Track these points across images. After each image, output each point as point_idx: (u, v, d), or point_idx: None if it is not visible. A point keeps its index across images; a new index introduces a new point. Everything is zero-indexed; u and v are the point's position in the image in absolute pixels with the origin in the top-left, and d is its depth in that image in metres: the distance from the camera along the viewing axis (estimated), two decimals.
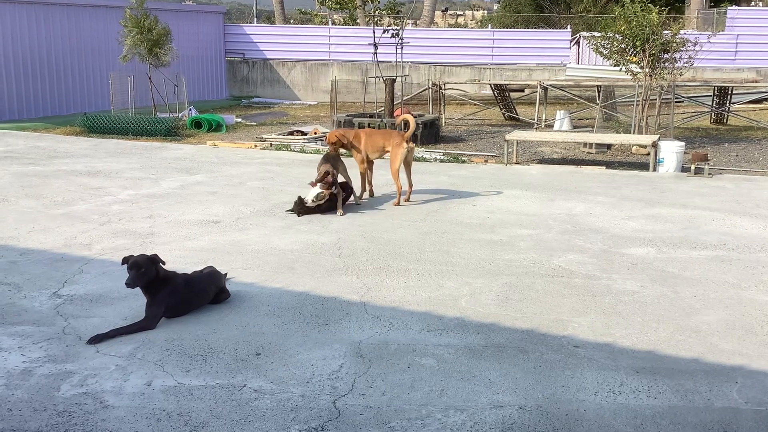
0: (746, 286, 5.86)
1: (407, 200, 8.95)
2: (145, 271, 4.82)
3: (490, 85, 20.46)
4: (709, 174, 11.23)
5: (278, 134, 15.60)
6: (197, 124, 16.96)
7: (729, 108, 18.35)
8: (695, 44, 13.92)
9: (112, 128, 16.12)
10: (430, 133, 15.08)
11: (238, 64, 27.48)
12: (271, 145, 14.40)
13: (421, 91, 20.43)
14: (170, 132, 15.97)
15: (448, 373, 4.23)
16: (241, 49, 27.39)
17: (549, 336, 4.80)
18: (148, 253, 5.06)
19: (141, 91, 18.58)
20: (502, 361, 4.40)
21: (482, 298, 5.54)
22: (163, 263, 5.00)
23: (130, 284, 4.80)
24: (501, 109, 19.98)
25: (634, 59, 13.78)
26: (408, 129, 8.96)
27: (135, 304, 5.19)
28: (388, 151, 8.97)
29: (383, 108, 15.80)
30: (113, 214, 8.19)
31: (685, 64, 14.04)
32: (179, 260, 6.32)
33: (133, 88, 18.09)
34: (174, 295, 4.95)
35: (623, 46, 13.88)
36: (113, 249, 6.75)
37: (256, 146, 14.39)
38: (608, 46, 14.24)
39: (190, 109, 18.78)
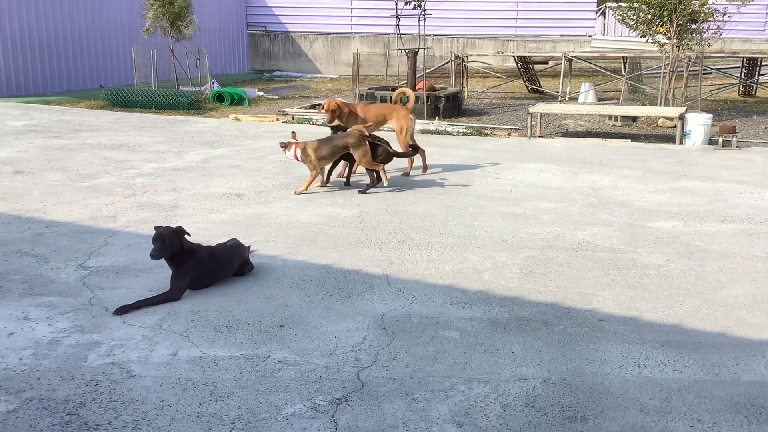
0: None
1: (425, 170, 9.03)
2: (169, 243, 4.85)
3: (514, 57, 20.23)
4: (737, 147, 11.04)
5: (300, 108, 15.58)
6: (219, 98, 16.98)
7: (758, 80, 17.99)
8: (724, 14, 13.63)
9: (135, 102, 16.20)
10: (452, 107, 14.96)
11: (260, 37, 27.40)
12: (293, 118, 14.39)
13: (444, 64, 20.26)
14: (193, 105, 16.01)
15: (472, 345, 4.22)
16: (262, 22, 27.31)
17: (573, 309, 4.76)
18: (173, 225, 5.08)
19: (163, 65, 18.62)
20: (525, 334, 4.38)
21: (505, 271, 5.51)
22: (188, 235, 5.03)
23: (154, 255, 4.83)
24: (524, 82, 19.77)
25: (661, 30, 13.53)
26: (409, 102, 9.13)
27: (160, 275, 5.24)
28: (388, 123, 9.04)
29: (405, 81, 15.69)
30: (137, 187, 8.24)
31: (713, 35, 13.76)
32: (203, 233, 6.36)
33: (156, 61, 18.12)
34: (199, 267, 4.98)
35: (650, 16, 13.62)
36: (138, 221, 6.80)
37: (278, 120, 14.38)
38: (634, 16, 13.99)
39: (213, 83, 18.80)
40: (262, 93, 19.08)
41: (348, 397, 3.62)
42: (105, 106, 16.36)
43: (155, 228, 4.97)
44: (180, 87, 18.03)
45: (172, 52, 17.94)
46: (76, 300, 4.88)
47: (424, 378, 3.82)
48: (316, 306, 4.80)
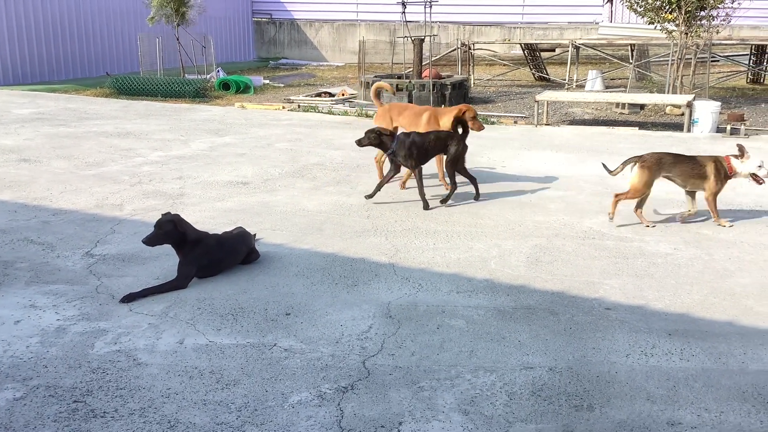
0: None
1: None
2: (164, 232, 4.84)
3: (521, 44, 20.12)
4: (746, 134, 10.97)
5: (306, 96, 15.55)
6: (225, 86, 16.96)
7: (767, 67, 17.85)
8: (733, 1, 13.50)
9: (140, 90, 16.19)
10: (458, 95, 14.90)
11: (266, 24, 27.33)
12: (299, 106, 14.36)
13: (450, 52, 20.16)
14: (198, 93, 15.99)
15: (478, 334, 4.21)
16: (268, 10, 27.22)
17: (579, 298, 4.75)
18: (180, 213, 5.08)
19: (169, 53, 18.59)
20: (532, 322, 4.37)
21: (512, 259, 5.49)
22: (184, 225, 4.98)
23: (146, 242, 4.83)
24: (531, 70, 19.66)
25: (670, 17, 13.42)
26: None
27: (167, 263, 5.24)
28: None
29: (411, 69, 15.63)
30: (144, 175, 8.24)
31: (722, 22, 13.64)
32: (209, 221, 6.36)
33: (162, 49, 18.09)
34: (205, 255, 4.98)
35: (658, 3, 13.51)
36: (144, 210, 6.80)
37: (284, 108, 14.36)
38: (643, 3, 13.88)
39: (218, 71, 18.76)
40: (267, 81, 19.04)
41: (354, 385, 3.62)
42: (111, 94, 16.35)
43: (162, 215, 4.98)
44: (186, 75, 18.01)
45: (177, 39, 17.91)
46: (83, 288, 4.89)
47: (430, 366, 3.82)
48: (322, 294, 4.79)
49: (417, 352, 3.99)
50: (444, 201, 7.05)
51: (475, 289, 4.91)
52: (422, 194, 6.94)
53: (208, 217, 6.51)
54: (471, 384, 3.64)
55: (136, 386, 3.60)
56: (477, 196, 7.24)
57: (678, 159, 6.31)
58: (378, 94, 8.32)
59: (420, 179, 6.96)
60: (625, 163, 6.43)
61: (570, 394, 3.55)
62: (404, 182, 7.72)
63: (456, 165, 7.04)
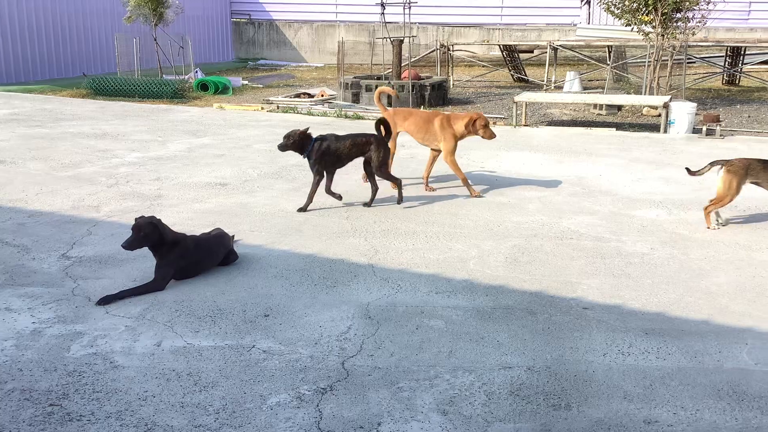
0: (757, 247, 5.81)
1: None
2: (144, 236, 4.80)
3: (499, 45, 20.21)
4: (721, 135, 11.10)
5: (285, 96, 15.50)
6: (203, 87, 16.86)
7: (741, 69, 18.08)
8: (708, 3, 13.66)
9: (118, 90, 16.05)
10: (438, 96, 14.94)
11: (244, 25, 27.22)
12: (278, 107, 14.31)
13: (429, 53, 20.21)
14: (176, 94, 15.88)
15: (457, 334, 4.22)
16: (246, 10, 27.11)
17: (558, 298, 4.78)
18: (157, 215, 5.04)
19: (146, 53, 18.45)
20: (510, 322, 4.39)
21: (491, 260, 5.51)
22: (161, 227, 4.95)
23: (125, 246, 4.79)
24: (510, 71, 19.76)
25: (646, 18, 13.55)
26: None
27: (143, 265, 5.20)
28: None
29: (391, 70, 15.64)
30: (121, 177, 8.17)
31: (698, 24, 13.80)
32: (187, 222, 6.32)
33: (139, 50, 17.95)
34: (183, 256, 4.94)
35: (635, 5, 13.63)
36: (121, 211, 6.74)
37: (262, 109, 14.31)
38: (620, 5, 13.99)
39: (196, 71, 18.65)
40: (246, 82, 18.95)
41: (333, 386, 3.62)
42: (87, 95, 16.19)
43: (136, 219, 4.93)
44: (163, 75, 17.87)
45: (155, 40, 17.78)
46: (59, 290, 4.83)
47: (409, 367, 3.82)
48: (301, 295, 4.78)
49: (396, 352, 3.99)
50: (364, 203, 6.96)
51: (454, 289, 4.93)
52: (311, 197, 6.77)
53: (186, 219, 6.47)
54: (450, 384, 3.65)
55: (112, 389, 3.57)
56: (399, 200, 7.07)
57: (766, 165, 6.31)
58: (388, 99, 8.27)
59: (317, 184, 6.75)
60: (711, 165, 6.43)
61: (548, 393, 3.57)
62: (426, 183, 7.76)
63: (384, 167, 6.88)
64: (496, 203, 7.16)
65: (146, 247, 4.90)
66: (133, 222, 4.91)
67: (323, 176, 6.82)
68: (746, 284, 5.02)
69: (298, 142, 6.66)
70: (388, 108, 8.10)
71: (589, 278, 5.14)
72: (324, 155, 6.68)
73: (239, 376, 3.70)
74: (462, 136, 7.43)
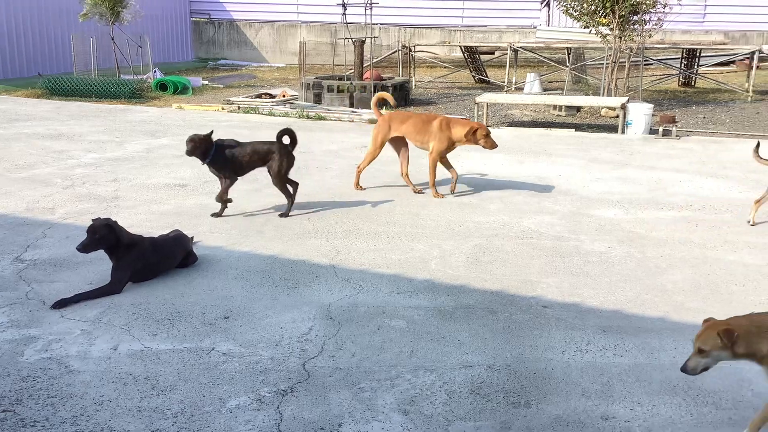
0: (712, 246, 5.93)
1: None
2: (99, 238, 4.72)
3: (461, 47, 20.33)
4: (677, 136, 11.32)
5: (246, 97, 15.38)
6: (162, 87, 16.64)
7: (697, 70, 18.47)
8: (665, 6, 13.92)
9: (74, 90, 15.76)
10: (400, 96, 14.97)
11: (204, 24, 26.94)
12: (239, 107, 14.20)
13: (391, 54, 20.24)
14: (135, 94, 15.65)
15: (418, 334, 4.23)
16: (206, 9, 26.84)
17: (518, 297, 4.82)
18: (113, 217, 4.95)
19: (104, 53, 18.15)
20: (471, 322, 4.42)
21: (452, 260, 5.54)
22: (117, 229, 4.86)
23: (80, 249, 4.69)
24: (471, 72, 19.89)
25: (604, 21, 13.75)
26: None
27: (100, 268, 5.11)
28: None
29: (353, 70, 15.63)
30: (77, 178, 8.02)
31: (655, 26, 14.05)
32: (145, 224, 6.23)
33: (96, 49, 17.64)
34: (140, 259, 4.87)
35: (593, 7, 13.82)
36: (77, 213, 6.61)
37: (223, 109, 14.18)
38: (578, 7, 14.18)
39: (155, 71, 18.40)
40: (206, 82, 18.76)
41: (294, 388, 3.59)
42: (43, 95, 15.86)
43: (93, 220, 4.85)
44: (121, 75, 17.59)
45: (112, 39, 17.50)
46: (12, 294, 4.72)
47: (371, 367, 3.82)
48: (262, 297, 4.74)
49: (357, 353, 3.98)
50: (284, 214, 6.60)
51: (416, 289, 4.94)
52: (223, 199, 6.52)
53: (144, 220, 6.38)
54: (411, 384, 3.66)
55: (67, 394, 3.50)
56: (286, 213, 6.63)
57: None
58: (385, 103, 8.09)
59: (227, 188, 6.50)
60: None
61: (508, 391, 3.59)
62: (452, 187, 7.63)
63: (282, 178, 6.59)
64: (457, 203, 7.20)
65: (102, 250, 4.82)
66: (89, 224, 4.82)
67: (235, 179, 6.52)
68: (701, 282, 5.12)
69: (202, 147, 6.30)
70: (384, 112, 7.91)
71: (549, 277, 5.19)
72: (227, 161, 6.41)
73: (198, 379, 3.65)
74: (459, 142, 7.36)
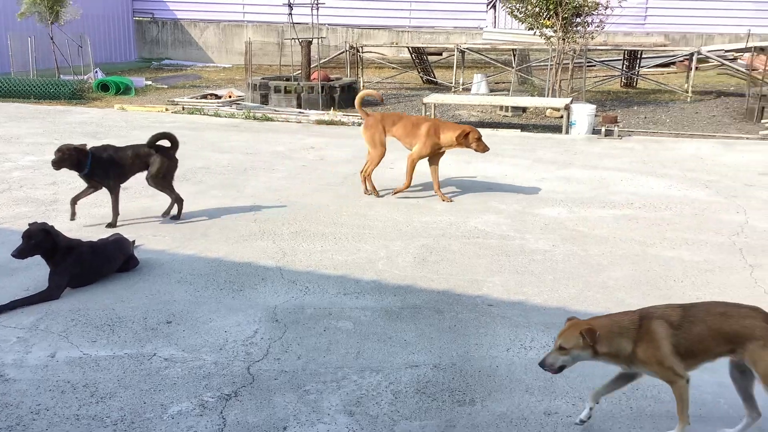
0: (651, 243, 6.07)
1: None
2: (35, 243, 4.58)
3: (408, 48, 20.40)
4: (619, 136, 11.56)
5: (191, 98, 15.15)
6: (104, 87, 16.28)
7: (638, 72, 18.91)
8: (606, 8, 14.21)
9: (11, 91, 15.30)
10: (348, 97, 14.94)
11: (147, 24, 26.45)
12: (184, 108, 13.98)
13: (339, 54, 20.19)
14: (75, 95, 15.27)
15: (365, 335, 4.22)
16: (149, 9, 26.36)
17: (464, 296, 4.85)
18: (50, 222, 4.82)
19: (43, 53, 17.67)
20: (418, 321, 4.42)
21: (399, 260, 5.54)
22: (54, 233, 4.73)
23: (15, 255, 4.55)
24: (419, 73, 19.98)
25: (548, 23, 13.97)
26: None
27: (37, 274, 4.95)
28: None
29: (300, 71, 15.55)
30: (14, 181, 7.78)
31: (597, 28, 14.33)
32: (84, 228, 6.08)
33: (35, 49, 17.16)
34: (79, 263, 4.74)
35: (537, 9, 14.03)
36: (13, 217, 6.41)
37: (167, 110, 13.94)
38: (523, 9, 14.37)
39: (96, 72, 17.99)
40: (150, 82, 18.42)
41: (238, 392, 3.54)
42: None
43: (29, 225, 4.70)
44: (61, 76, 17.14)
45: (51, 39, 17.03)
46: None
47: (317, 369, 3.79)
48: (206, 300, 4.67)
49: (303, 355, 3.95)
50: (172, 216, 6.50)
51: (363, 290, 4.92)
52: (115, 210, 6.27)
53: (84, 224, 6.22)
54: (357, 385, 3.64)
55: (2, 403, 3.38)
56: (176, 216, 6.50)
57: None
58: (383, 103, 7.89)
59: (117, 196, 6.28)
60: None
61: (453, 389, 3.61)
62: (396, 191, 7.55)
63: (165, 181, 6.40)
64: (404, 203, 7.21)
65: (39, 255, 4.68)
66: (25, 228, 4.68)
67: (119, 187, 6.29)
68: (641, 278, 5.24)
69: (74, 158, 5.97)
70: (372, 113, 7.78)
71: (494, 276, 5.24)
72: (108, 168, 6.13)
73: (139, 386, 3.57)
74: (449, 146, 7.32)
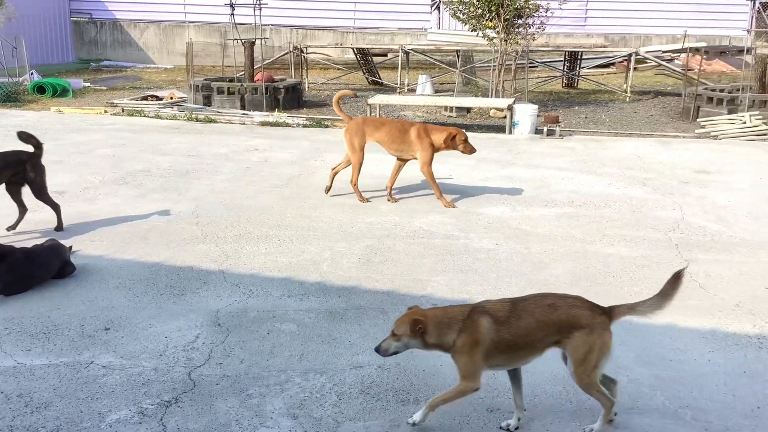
0: (591, 240, 6.19)
1: None
2: None
3: (353, 49, 20.39)
4: (560, 135, 11.77)
5: (131, 99, 14.84)
6: (40, 89, 15.81)
7: (579, 72, 19.28)
8: (547, 10, 14.45)
9: None
10: (292, 98, 14.85)
11: (85, 24, 25.81)
12: (123, 110, 13.68)
13: (283, 55, 20.05)
14: (10, 97, 14.80)
15: (309, 337, 4.19)
16: (87, 9, 25.72)
17: (409, 296, 4.86)
18: None
19: None
20: (362, 322, 4.42)
21: (344, 261, 5.52)
22: None
23: None
24: (364, 74, 19.98)
25: (490, 24, 14.13)
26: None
27: None
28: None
29: (243, 72, 15.38)
30: None
31: (538, 30, 14.56)
32: (18, 234, 5.89)
33: None
34: (12, 270, 4.60)
35: (479, 11, 14.18)
36: None
37: (106, 112, 13.62)
38: (465, 11, 14.50)
39: (32, 73, 17.46)
40: (88, 84, 17.96)
41: (178, 398, 3.48)
42: None
43: None
44: None
45: None
46: None
47: (260, 373, 3.75)
48: (146, 306, 4.57)
49: (246, 359, 3.90)
50: (10, 227, 6.05)
51: (307, 292, 4.89)
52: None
53: (18, 231, 6.02)
54: (301, 387, 3.62)
55: None
56: (58, 227, 6.15)
57: None
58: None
59: None
60: None
61: (397, 389, 3.61)
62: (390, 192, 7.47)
63: (43, 192, 6.10)
64: (349, 204, 7.20)
65: None
66: None
67: None
68: (581, 274, 5.34)
69: None
70: (354, 117, 7.63)
71: (439, 275, 5.27)
72: None
73: (75, 395, 3.48)
74: (438, 149, 7.26)
